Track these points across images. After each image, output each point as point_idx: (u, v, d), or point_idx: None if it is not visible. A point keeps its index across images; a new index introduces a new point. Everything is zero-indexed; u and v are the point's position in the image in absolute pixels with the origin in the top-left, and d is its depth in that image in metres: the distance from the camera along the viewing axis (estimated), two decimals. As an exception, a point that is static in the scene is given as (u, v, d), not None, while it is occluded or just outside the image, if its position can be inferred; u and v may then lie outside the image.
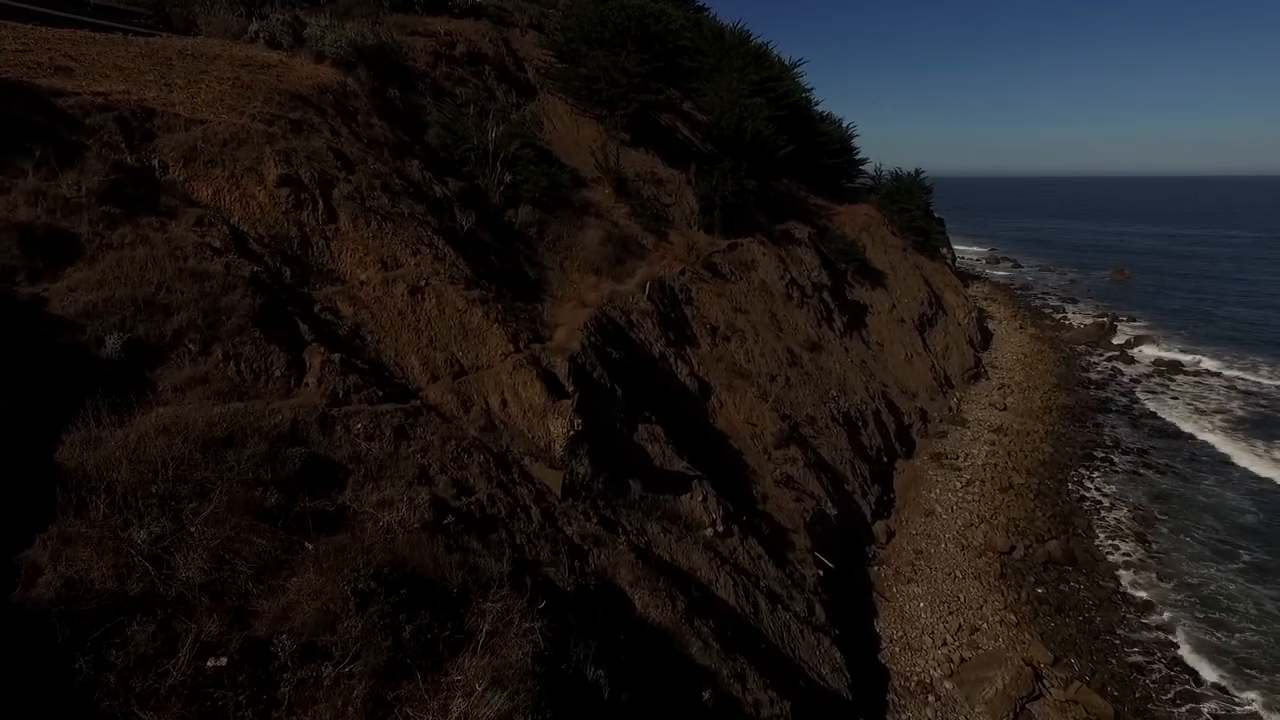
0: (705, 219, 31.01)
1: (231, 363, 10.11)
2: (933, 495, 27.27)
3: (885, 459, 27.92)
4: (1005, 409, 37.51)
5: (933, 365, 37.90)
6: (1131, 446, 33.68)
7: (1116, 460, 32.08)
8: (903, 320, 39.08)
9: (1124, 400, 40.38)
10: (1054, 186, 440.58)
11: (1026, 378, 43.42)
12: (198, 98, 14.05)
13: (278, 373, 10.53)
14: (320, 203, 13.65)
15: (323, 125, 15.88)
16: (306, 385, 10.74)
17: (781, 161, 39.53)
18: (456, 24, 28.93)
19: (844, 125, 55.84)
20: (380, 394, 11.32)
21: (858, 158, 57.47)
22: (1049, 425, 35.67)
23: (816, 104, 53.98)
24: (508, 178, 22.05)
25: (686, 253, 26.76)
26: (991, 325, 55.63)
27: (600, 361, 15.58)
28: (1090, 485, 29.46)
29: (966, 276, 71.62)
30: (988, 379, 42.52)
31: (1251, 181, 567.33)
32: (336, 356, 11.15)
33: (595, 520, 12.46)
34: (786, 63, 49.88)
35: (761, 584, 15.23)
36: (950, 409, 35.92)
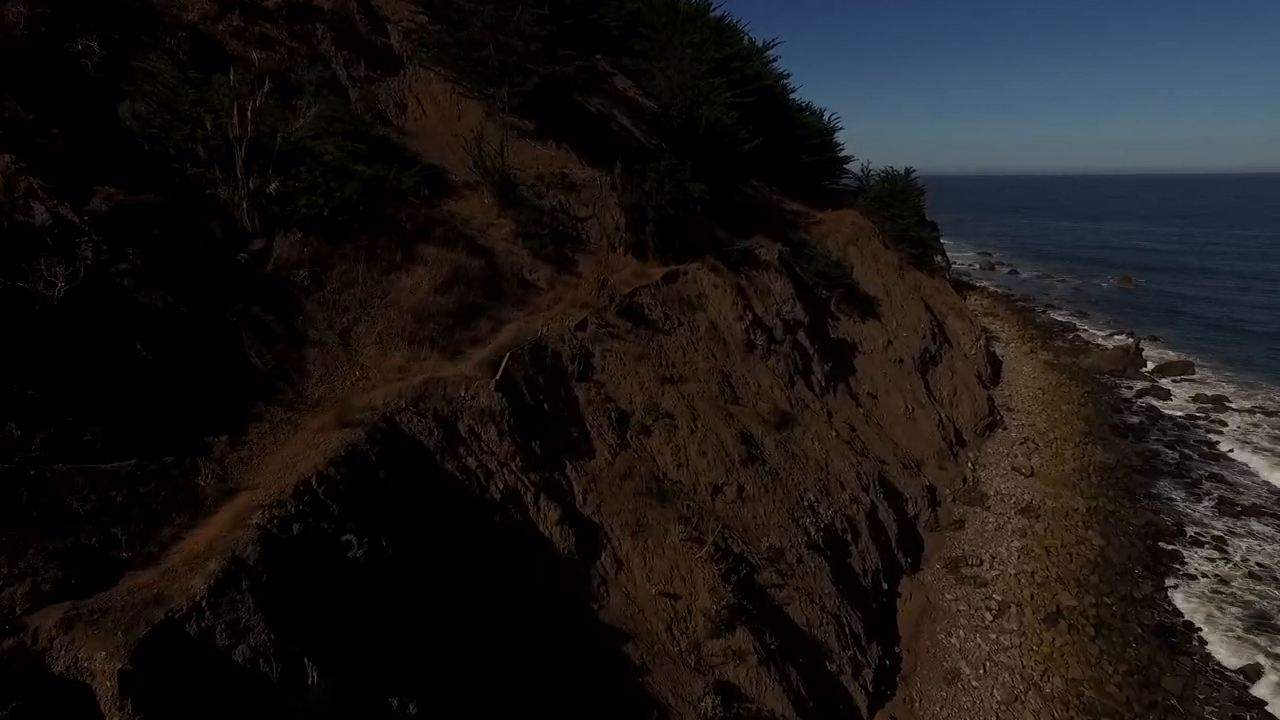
0: (635, 237, 22.47)
1: None
2: (954, 640, 18.94)
3: (885, 585, 19.58)
4: (1032, 474, 29.36)
5: (940, 420, 29.66)
6: (1205, 534, 25.56)
7: (1189, 558, 23.96)
8: (901, 360, 30.81)
9: (1175, 457, 32.31)
10: (1046, 185, 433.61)
11: (1050, 424, 35.27)
12: None
13: None
14: None
15: None
16: None
17: (747, 159, 31.18)
18: (271, -38, 20.11)
19: (825, 117, 47.50)
20: None
21: (842, 154, 49.11)
22: (1090, 499, 27.52)
23: (793, 91, 45.52)
24: (273, 185, 13.42)
25: (595, 292, 18.16)
26: (998, 349, 47.50)
27: (286, 602, 6.96)
28: (1168, 606, 21.26)
29: (962, 286, 63.69)
30: (1004, 428, 34.33)
31: (1261, 179, 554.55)
32: None
33: None
34: (758, 44, 41.46)
35: None
36: (964, 480, 27.70)
